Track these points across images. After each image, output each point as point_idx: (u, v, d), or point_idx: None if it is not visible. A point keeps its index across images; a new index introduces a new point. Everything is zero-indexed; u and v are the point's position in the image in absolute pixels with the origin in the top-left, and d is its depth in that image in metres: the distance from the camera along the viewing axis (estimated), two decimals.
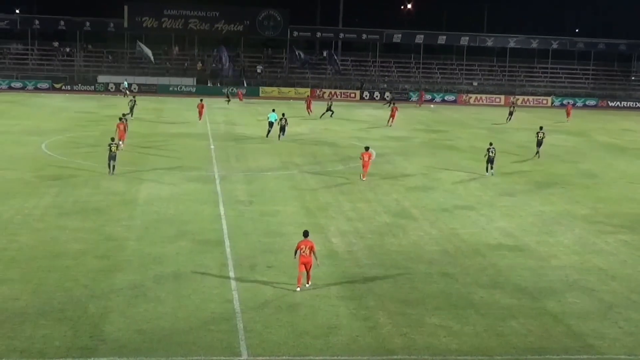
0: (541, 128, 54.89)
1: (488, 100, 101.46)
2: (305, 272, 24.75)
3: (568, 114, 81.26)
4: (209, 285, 24.56)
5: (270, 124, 58.75)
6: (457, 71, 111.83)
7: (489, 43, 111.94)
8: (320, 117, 73.38)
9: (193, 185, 39.89)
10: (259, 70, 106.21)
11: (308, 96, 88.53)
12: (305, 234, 25.34)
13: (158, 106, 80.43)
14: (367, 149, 44.60)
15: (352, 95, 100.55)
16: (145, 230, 30.86)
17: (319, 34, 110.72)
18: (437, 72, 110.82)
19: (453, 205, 37.60)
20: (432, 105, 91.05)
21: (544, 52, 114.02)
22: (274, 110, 60.67)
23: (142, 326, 21.04)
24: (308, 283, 24.90)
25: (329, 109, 75.05)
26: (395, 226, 33.19)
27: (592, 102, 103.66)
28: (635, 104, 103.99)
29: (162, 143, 53.80)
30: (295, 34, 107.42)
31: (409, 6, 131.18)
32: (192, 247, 28.64)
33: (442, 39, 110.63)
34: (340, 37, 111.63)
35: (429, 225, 33.57)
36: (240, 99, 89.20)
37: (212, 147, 52.46)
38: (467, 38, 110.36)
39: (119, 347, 19.77)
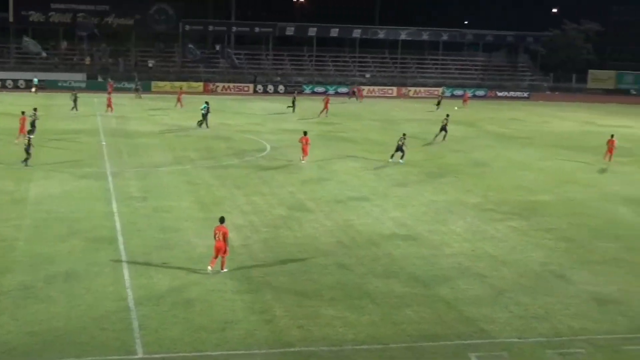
0: (447, 115, 59.35)
1: (381, 92, 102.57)
2: (220, 257, 25.34)
3: (465, 101, 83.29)
4: (103, 283, 24.14)
5: (204, 116, 61.02)
6: (349, 64, 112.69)
7: (381, 35, 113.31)
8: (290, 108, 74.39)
9: (84, 182, 39.09)
10: (150, 65, 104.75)
11: (180, 89, 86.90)
12: (221, 219, 25.92)
13: (47, 102, 78.39)
14: (305, 133, 47.62)
15: (246, 88, 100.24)
16: (35, 229, 30.10)
17: (211, 28, 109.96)
18: (330, 65, 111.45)
19: (347, 197, 37.89)
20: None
21: (434, 44, 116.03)
22: (207, 102, 62.80)
23: (34, 328, 20.52)
24: (222, 269, 25.46)
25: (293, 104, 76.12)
26: (290, 219, 33.25)
27: (481, 93, 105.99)
28: (522, 94, 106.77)
29: (52, 140, 52.48)
30: (187, 27, 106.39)
31: None
32: (84, 246, 28.08)
33: (334, 32, 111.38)
34: (233, 30, 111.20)
35: (324, 217, 33.75)
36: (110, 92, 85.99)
37: (104, 143, 51.52)
38: (359, 30, 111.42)
39: (9, 349, 19.24)
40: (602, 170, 48.28)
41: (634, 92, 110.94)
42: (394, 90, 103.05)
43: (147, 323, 21.16)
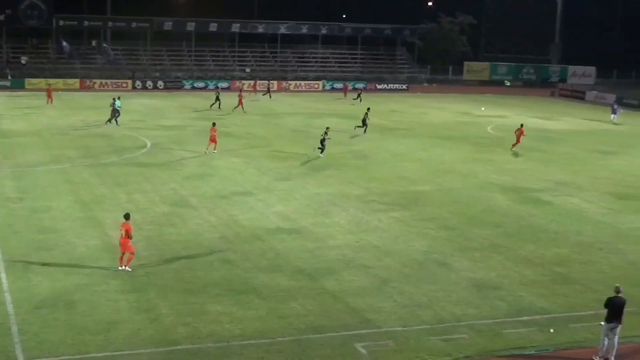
0: (368, 109, 60.70)
1: (262, 86, 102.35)
2: (126, 254, 25.38)
3: (345, 93, 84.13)
4: None
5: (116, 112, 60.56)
6: (229, 58, 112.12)
7: (260, 30, 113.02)
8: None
9: None
10: (23, 62, 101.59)
11: (49, 85, 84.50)
12: (126, 216, 25.87)
13: None
14: (214, 124, 49.72)
15: (124, 85, 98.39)
16: None
17: (86, 23, 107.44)
18: (209, 60, 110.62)
19: (230, 192, 37.73)
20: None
21: (314, 38, 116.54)
22: (119, 98, 62.49)
23: None
24: (124, 265, 25.45)
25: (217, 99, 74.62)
26: (173, 215, 32.89)
27: (360, 85, 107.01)
28: (401, 86, 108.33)
29: None
30: (61, 22, 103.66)
31: None
32: None
33: (213, 27, 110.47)
34: (109, 25, 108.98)
35: (208, 213, 33.53)
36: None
37: None
38: (238, 25, 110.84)
39: None
40: (479, 160, 49.47)
41: (508, 83, 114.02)
42: (275, 84, 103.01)
43: (27, 327, 20.61)
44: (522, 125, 55.45)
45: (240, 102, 72.05)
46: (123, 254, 25.55)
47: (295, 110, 74.40)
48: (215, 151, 48.28)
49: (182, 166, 44.21)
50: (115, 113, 60.59)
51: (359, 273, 26.20)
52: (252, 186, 39.37)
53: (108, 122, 60.60)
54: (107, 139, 53.00)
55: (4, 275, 24.60)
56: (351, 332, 21.22)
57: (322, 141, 48.50)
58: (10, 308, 21.89)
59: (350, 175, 43.03)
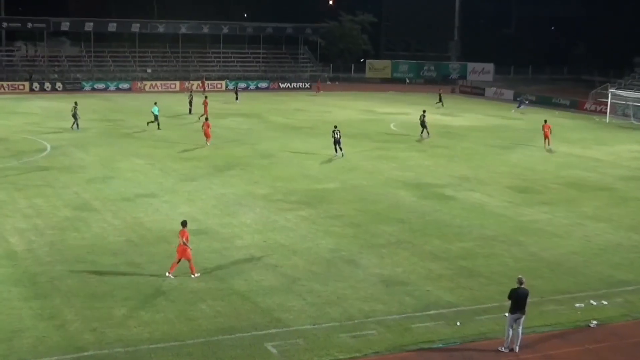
0: (424, 111, 59.37)
1: (164, 87, 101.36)
2: (182, 260, 25.25)
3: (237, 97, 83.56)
4: None
5: (156, 117, 59.49)
6: (130, 59, 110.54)
7: (161, 29, 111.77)
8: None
9: None
10: None
11: None
12: (183, 223, 25.79)
13: None
14: (206, 119, 54.56)
15: (21, 87, 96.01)
16: None
17: None
18: (109, 60, 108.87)
19: (135, 194, 37.21)
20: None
21: (215, 37, 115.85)
22: (155, 104, 60.69)
23: None
24: (194, 274, 25.34)
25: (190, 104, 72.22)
26: (76, 220, 32.25)
27: (264, 85, 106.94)
28: (305, 85, 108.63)
29: None
30: None
31: None
32: None
33: (112, 26, 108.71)
34: (4, 26, 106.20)
35: (112, 216, 33.00)
36: None
37: None
38: (138, 25, 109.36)
39: None
40: (383, 157, 49.94)
41: (408, 81, 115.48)
42: (177, 84, 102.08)
43: None
44: (545, 121, 56.57)
45: (205, 109, 67.30)
46: (178, 261, 25.22)
47: (200, 110, 73.68)
48: (208, 144, 52.08)
49: (84, 169, 43.37)
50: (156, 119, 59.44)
51: (268, 273, 26.17)
52: (156, 188, 38.90)
53: (75, 126, 59.26)
54: (4, 143, 51.55)
55: None
56: (261, 332, 21.17)
57: (337, 141, 49.33)
58: None
59: (255, 175, 42.92)
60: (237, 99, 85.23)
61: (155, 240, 29.56)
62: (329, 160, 48.09)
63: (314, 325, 21.79)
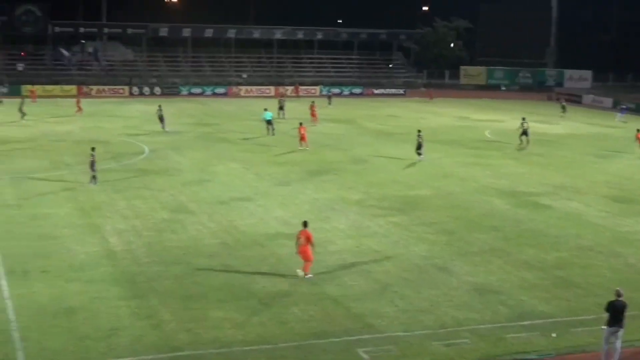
0: (524, 119, 58.37)
1: (259, 92, 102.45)
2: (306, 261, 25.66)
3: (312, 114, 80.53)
4: None
5: (269, 122, 59.74)
6: (226, 64, 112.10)
7: (256, 35, 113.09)
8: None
9: None
10: (20, 68, 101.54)
11: (32, 91, 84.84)
12: (304, 223, 26.41)
13: None
14: (301, 124, 53.90)
15: (122, 90, 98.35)
16: None
17: (82, 29, 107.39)
18: (206, 65, 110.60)
19: (230, 198, 37.72)
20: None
21: (309, 43, 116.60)
22: (266, 110, 61.18)
23: None
24: (304, 272, 25.70)
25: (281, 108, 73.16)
26: (173, 222, 32.86)
27: (357, 90, 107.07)
28: (398, 91, 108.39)
29: None
30: (57, 29, 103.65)
31: None
32: None
33: (209, 32, 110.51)
34: (105, 31, 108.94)
35: (207, 219, 33.50)
36: (34, 100, 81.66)
37: None
38: (234, 30, 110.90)
39: None
40: (477, 164, 49.50)
41: (504, 88, 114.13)
42: (271, 89, 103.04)
43: (29, 334, 20.59)
44: (638, 130, 55.98)
45: (313, 114, 69.22)
46: (305, 261, 25.80)
47: (291, 115, 74.23)
48: (302, 147, 52.57)
49: (181, 172, 44.19)
50: (269, 124, 59.92)
51: (360, 278, 26.19)
52: (251, 191, 39.36)
53: (163, 128, 61.30)
54: (104, 146, 52.86)
55: (4, 282, 24.58)
56: (353, 338, 21.19)
57: (420, 145, 49.67)
58: (11, 315, 21.87)
59: (348, 180, 43.03)
60: (329, 103, 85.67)
61: (249, 244, 29.90)
62: (422, 167, 47.86)
63: (406, 332, 21.71)
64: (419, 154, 49.75)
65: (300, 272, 25.85)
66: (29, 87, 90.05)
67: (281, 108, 72.76)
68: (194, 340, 20.65)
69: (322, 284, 25.37)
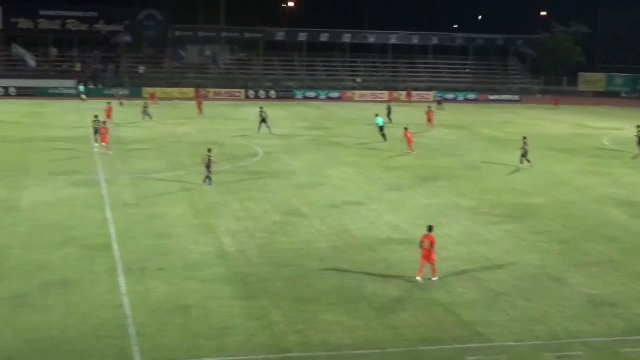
0: (638, 126, 57.29)
1: (372, 96, 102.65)
2: (429, 265, 25.95)
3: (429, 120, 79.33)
4: (98, 291, 24.08)
5: (380, 128, 59.18)
6: (340, 68, 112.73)
7: (371, 40, 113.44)
8: None
9: (78, 189, 39.00)
10: (140, 71, 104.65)
11: (199, 96, 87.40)
12: (429, 228, 26.37)
13: (38, 109, 78.33)
14: (406, 129, 54.58)
15: (237, 94, 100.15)
16: (29, 237, 30.01)
17: (201, 33, 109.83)
18: (320, 69, 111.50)
19: (342, 201, 37.88)
20: None
21: (424, 48, 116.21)
22: (377, 115, 61.39)
23: (30, 335, 20.45)
24: (434, 277, 25.97)
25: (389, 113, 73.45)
26: (285, 224, 33.21)
27: (472, 96, 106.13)
28: (513, 97, 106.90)
29: (44, 147, 52.42)
30: (177, 33, 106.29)
31: (291, 4, 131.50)
32: (79, 253, 28.01)
33: (324, 37, 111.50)
34: (223, 35, 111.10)
35: (319, 222, 33.72)
36: (155, 101, 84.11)
37: (96, 150, 51.32)
38: (350, 35, 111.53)
39: (6, 358, 19.19)
40: (595, 173, 48.32)
41: (624, 95, 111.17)
42: (385, 94, 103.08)
43: (144, 330, 21.11)
44: None
45: (429, 119, 69.23)
46: (424, 265, 25.99)
47: (408, 120, 74.00)
48: (412, 152, 53.07)
49: (294, 175, 44.64)
50: (381, 130, 59.90)
51: (471, 285, 25.91)
52: (363, 196, 39.44)
53: (267, 130, 62.36)
54: (220, 147, 53.90)
55: (122, 279, 25.30)
56: (463, 345, 20.98)
57: (524, 153, 49.06)
58: (128, 311, 22.48)
59: (461, 186, 42.65)
60: (441, 108, 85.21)
61: (360, 248, 29.95)
62: (537, 174, 47.02)
63: (517, 342, 21.34)
64: (526, 160, 48.84)
65: (419, 279, 25.90)
66: (149, 89, 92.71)
67: (388, 113, 72.64)
68: (303, 342, 20.81)
69: (433, 290, 25.21)
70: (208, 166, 40.53)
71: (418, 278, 25.83)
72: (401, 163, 49.52)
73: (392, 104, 76.92)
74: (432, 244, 25.88)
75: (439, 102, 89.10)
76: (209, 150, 41.32)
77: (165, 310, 22.59)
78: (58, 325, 21.24)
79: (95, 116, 56.09)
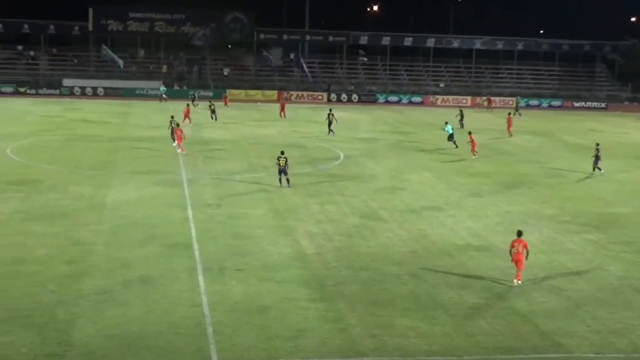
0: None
1: (455, 102, 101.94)
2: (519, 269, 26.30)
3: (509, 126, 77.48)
4: (178, 289, 24.47)
5: (450, 136, 58.40)
6: (423, 73, 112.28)
7: (455, 45, 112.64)
8: None
9: (161, 188, 39.68)
10: (225, 73, 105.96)
11: (282, 99, 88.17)
12: (519, 233, 26.87)
13: (125, 110, 79.98)
14: (470, 133, 54.64)
15: (320, 97, 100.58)
16: (113, 234, 30.66)
17: (285, 36, 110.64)
18: (403, 74, 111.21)
19: (421, 206, 37.72)
20: None
21: (509, 53, 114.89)
22: (447, 123, 60.86)
23: (111, 331, 20.91)
24: (519, 280, 26.26)
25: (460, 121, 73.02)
26: (363, 228, 33.23)
27: (557, 103, 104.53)
28: (600, 104, 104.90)
29: (129, 147, 53.50)
30: (262, 36, 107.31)
31: (375, 8, 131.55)
32: (160, 251, 28.50)
33: (408, 41, 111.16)
34: (307, 39, 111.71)
35: (398, 227, 33.64)
36: (227, 105, 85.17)
37: (179, 150, 52.10)
38: (434, 40, 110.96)
39: (88, 352, 19.64)
40: None
41: None
42: (468, 99, 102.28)
43: (222, 329, 21.37)
44: None
45: (509, 124, 68.71)
46: (520, 269, 26.33)
47: (489, 126, 73.38)
48: (475, 155, 53.08)
49: (374, 179, 44.62)
50: (450, 138, 58.96)
51: (551, 295, 25.53)
52: (442, 201, 39.22)
53: (331, 133, 63.00)
54: (301, 150, 54.27)
55: (201, 278, 25.66)
56: (541, 355, 20.70)
57: (596, 160, 48.62)
58: (206, 310, 22.79)
59: (543, 194, 42.05)
60: (518, 114, 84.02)
61: (438, 253, 29.79)
62: (622, 183, 46.09)
63: (597, 354, 20.96)
64: (597, 168, 47.91)
65: (516, 282, 26.09)
66: (231, 91, 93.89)
67: (461, 119, 71.97)
68: (378, 346, 20.80)
69: (511, 299, 24.93)
70: (283, 170, 40.74)
71: (516, 282, 26.06)
72: (481, 169, 49.07)
73: (474, 110, 76.05)
74: (524, 247, 26.12)
75: (516, 109, 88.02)
76: (282, 153, 41.50)
77: (243, 311, 22.83)
78: (138, 321, 21.67)
79: (172, 117, 57.09)
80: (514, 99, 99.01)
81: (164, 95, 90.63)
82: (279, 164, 40.74)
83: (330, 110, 65.53)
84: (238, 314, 22.54)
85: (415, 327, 22.18)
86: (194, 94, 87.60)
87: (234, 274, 26.24)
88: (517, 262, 26.14)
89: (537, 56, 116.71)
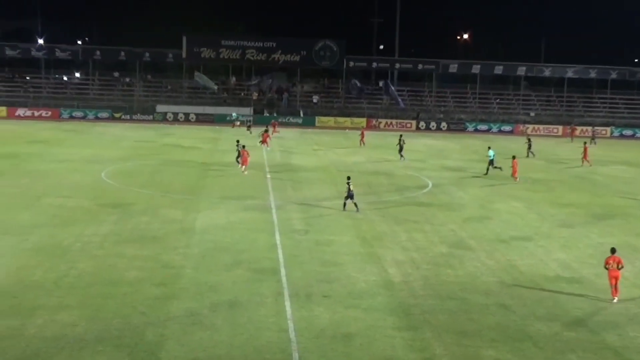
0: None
1: (546, 131, 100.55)
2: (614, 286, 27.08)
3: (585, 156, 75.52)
4: (265, 314, 24.62)
5: (491, 162, 58.44)
6: (513, 101, 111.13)
7: (547, 73, 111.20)
8: None
9: (249, 214, 40.09)
10: (315, 100, 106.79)
11: (362, 128, 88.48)
12: (613, 250, 27.84)
13: (215, 135, 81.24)
14: (514, 157, 55.53)
15: (409, 125, 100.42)
16: (201, 258, 31.06)
17: (374, 64, 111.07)
18: (493, 102, 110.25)
19: (510, 236, 37.23)
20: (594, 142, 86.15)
21: (602, 82, 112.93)
22: (490, 148, 61.08)
23: (198, 354, 21.14)
24: (615, 297, 27.17)
25: (529, 147, 72.97)
26: (451, 256, 32.94)
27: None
28: None
29: (219, 172, 54.27)
30: (352, 64, 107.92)
31: (465, 36, 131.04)
32: (248, 276, 28.74)
33: (498, 69, 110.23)
34: (396, 67, 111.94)
35: (486, 256, 33.25)
36: (275, 131, 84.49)
37: (269, 176, 52.68)
38: (524, 68, 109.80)
39: None
40: None
41: None
42: (559, 129, 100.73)
43: (307, 355, 21.40)
44: None
45: (585, 153, 66.90)
46: (613, 285, 27.18)
47: (578, 156, 72.00)
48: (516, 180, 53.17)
49: (462, 208, 44.25)
50: (491, 164, 58.62)
51: None
52: (532, 231, 38.63)
53: (402, 158, 64.27)
54: (389, 178, 54.21)
55: (288, 304, 25.76)
56: None
57: None
58: (292, 335, 22.86)
59: (636, 226, 41.04)
60: (594, 143, 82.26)
61: (527, 284, 29.29)
62: None
63: None
64: None
65: (615, 299, 26.80)
66: (320, 118, 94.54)
67: (529, 147, 70.98)
68: None
69: (602, 333, 24.33)
70: (350, 195, 40.85)
71: (615, 299, 26.77)
72: (573, 200, 48.19)
73: (566, 139, 74.85)
74: (618, 264, 26.57)
75: (592, 137, 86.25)
76: (348, 178, 42.01)
77: (329, 337, 22.83)
78: (224, 345, 21.87)
79: (237, 141, 58.78)
80: (607, 128, 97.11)
81: (237, 122, 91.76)
82: (349, 188, 41.23)
83: (401, 135, 66.15)
84: (324, 341, 22.54)
85: (502, 359, 21.83)
86: (249, 121, 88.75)
87: (320, 300, 26.27)
88: (612, 278, 26.65)
89: (631, 85, 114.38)
